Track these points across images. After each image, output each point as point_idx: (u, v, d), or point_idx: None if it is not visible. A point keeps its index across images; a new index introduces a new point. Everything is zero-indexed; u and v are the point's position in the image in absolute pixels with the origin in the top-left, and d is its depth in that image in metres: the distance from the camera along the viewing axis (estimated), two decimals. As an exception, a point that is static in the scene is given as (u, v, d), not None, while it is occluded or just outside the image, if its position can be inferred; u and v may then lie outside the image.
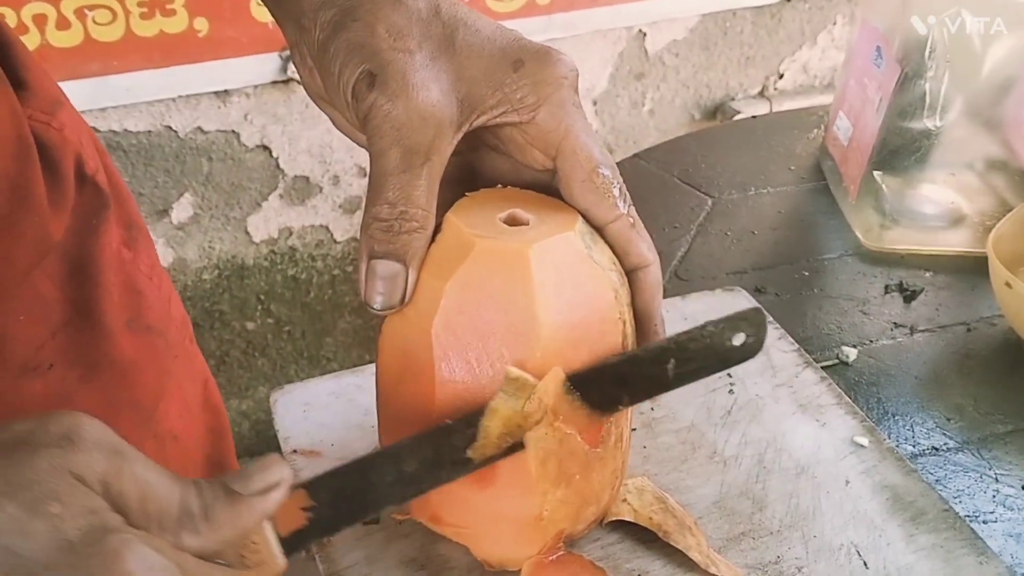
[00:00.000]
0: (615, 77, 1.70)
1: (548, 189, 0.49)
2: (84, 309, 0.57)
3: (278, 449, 0.60)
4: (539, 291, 0.44)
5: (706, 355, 0.47)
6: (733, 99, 1.83)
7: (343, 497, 0.44)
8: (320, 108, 0.49)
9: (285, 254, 1.58)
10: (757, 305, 0.53)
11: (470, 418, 0.45)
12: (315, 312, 1.65)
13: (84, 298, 0.57)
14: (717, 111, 1.83)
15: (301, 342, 1.67)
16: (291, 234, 1.57)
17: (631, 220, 0.48)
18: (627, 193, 0.48)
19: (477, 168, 0.50)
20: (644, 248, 0.48)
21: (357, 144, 0.48)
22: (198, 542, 0.38)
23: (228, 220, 1.51)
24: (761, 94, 1.86)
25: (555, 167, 0.47)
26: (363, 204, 0.44)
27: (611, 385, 0.47)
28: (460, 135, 0.45)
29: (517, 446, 0.46)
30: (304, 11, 0.45)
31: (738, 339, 0.47)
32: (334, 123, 0.49)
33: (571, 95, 0.46)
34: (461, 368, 0.45)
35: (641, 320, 0.49)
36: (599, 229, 0.48)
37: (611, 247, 0.48)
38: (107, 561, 0.33)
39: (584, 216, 0.47)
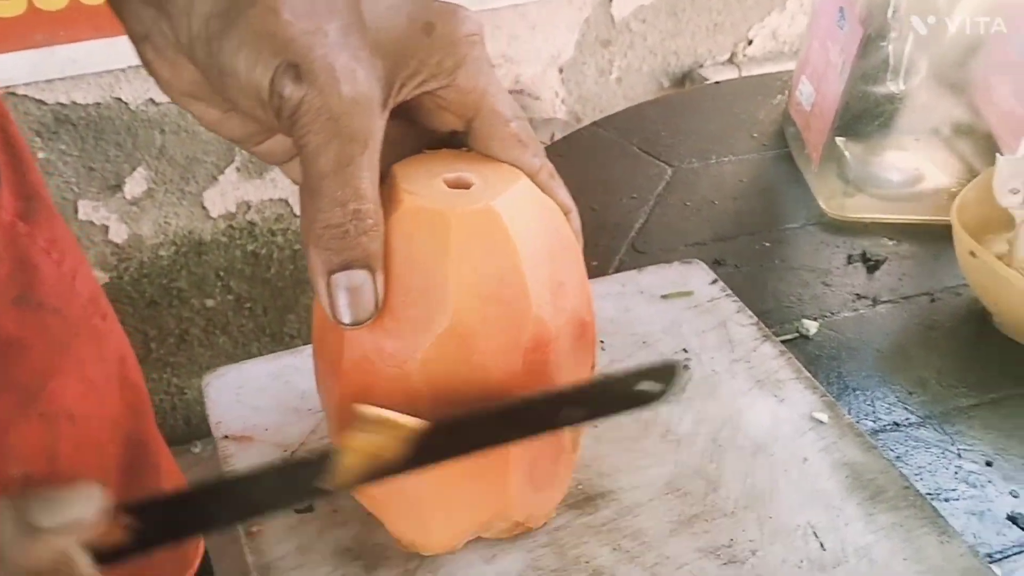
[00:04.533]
0: (581, 44, 1.67)
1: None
2: None
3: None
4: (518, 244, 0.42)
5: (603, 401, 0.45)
6: (702, 66, 1.81)
7: (171, 521, 0.40)
8: (182, 105, 0.44)
9: (244, 229, 1.55)
10: (673, 361, 0.51)
11: (323, 453, 0.41)
12: (276, 288, 1.62)
13: None
14: (686, 78, 1.80)
15: (263, 319, 1.64)
16: (249, 208, 1.53)
17: (550, 169, 0.47)
18: (540, 144, 0.47)
19: None
20: (563, 195, 0.47)
21: (232, 141, 0.45)
22: None
23: (184, 195, 1.48)
24: (730, 61, 1.83)
25: (471, 128, 0.45)
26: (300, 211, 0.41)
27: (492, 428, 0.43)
28: (387, 114, 0.42)
29: (377, 475, 0.42)
30: None
31: (645, 385, 0.44)
32: (200, 120, 0.44)
33: (483, 52, 0.44)
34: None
35: None
36: None
37: None
38: None
39: None
